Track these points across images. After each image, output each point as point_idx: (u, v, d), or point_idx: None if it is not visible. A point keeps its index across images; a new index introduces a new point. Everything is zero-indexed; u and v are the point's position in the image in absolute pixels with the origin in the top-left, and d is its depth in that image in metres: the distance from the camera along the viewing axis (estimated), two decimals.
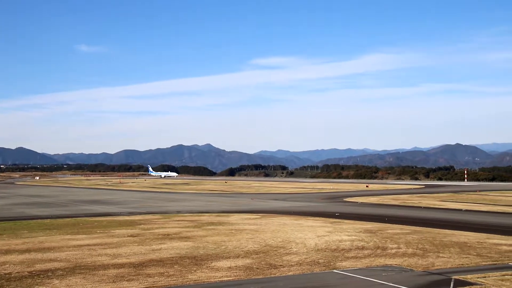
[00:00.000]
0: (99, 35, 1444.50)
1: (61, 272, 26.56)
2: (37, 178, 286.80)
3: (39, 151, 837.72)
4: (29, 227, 49.03)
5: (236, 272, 26.20)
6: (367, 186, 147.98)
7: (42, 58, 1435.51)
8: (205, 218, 56.77)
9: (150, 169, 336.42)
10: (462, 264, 28.05)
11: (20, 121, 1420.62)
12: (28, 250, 34.14)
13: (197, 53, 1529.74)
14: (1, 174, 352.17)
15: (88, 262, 29.32)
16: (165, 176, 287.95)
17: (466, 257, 30.08)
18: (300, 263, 28.52)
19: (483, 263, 28.52)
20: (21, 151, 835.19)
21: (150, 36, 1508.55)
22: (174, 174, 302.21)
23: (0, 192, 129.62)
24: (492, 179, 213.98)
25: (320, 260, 29.40)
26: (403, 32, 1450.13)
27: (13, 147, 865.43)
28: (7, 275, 25.99)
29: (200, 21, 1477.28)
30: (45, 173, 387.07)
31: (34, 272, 26.67)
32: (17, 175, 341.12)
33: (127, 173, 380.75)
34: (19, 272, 26.68)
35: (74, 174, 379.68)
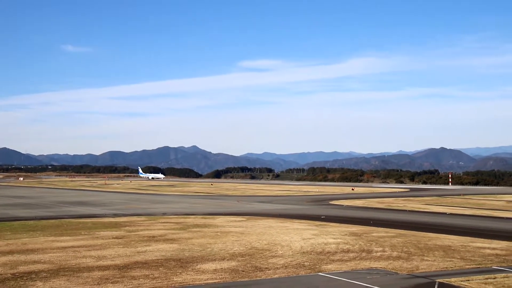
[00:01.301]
0: (85, 35, 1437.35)
1: (44, 274, 26.31)
2: (21, 179, 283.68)
3: (23, 151, 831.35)
4: (12, 228, 48.49)
5: (221, 275, 26.15)
6: (352, 189, 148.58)
7: (27, 58, 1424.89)
8: (191, 220, 56.61)
9: (140, 170, 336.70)
10: (446, 267, 28.28)
11: (4, 121, 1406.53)
12: (11, 252, 33.77)
13: (184, 55, 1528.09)
14: None
15: (73, 264, 29.09)
16: (152, 177, 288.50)
17: (450, 261, 30.33)
18: (286, 266, 28.55)
19: (467, 266, 28.78)
20: (5, 152, 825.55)
21: (137, 37, 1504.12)
22: (161, 175, 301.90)
23: None
24: (476, 183, 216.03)
25: (305, 263, 29.46)
26: (390, 36, 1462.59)
27: None
28: None
29: (188, 23, 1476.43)
30: (29, 174, 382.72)
31: (17, 274, 26.39)
32: (0, 176, 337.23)
33: (113, 174, 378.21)
34: (1, 274, 26.36)
35: (59, 175, 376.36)
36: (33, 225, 51.21)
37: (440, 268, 28.19)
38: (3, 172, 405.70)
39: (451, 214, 66.77)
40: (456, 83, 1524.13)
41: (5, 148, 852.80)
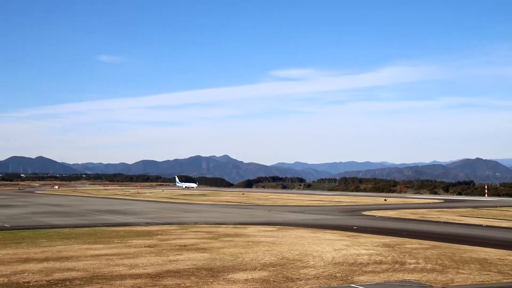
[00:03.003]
0: (119, 45, 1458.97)
1: (78, 282, 26.70)
2: (56, 187, 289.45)
3: (58, 160, 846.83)
4: (47, 236, 49.47)
5: (252, 285, 26.08)
6: (385, 200, 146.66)
7: (62, 68, 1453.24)
8: (222, 229, 56.72)
9: (177, 179, 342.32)
10: (482, 281, 27.58)
11: (40, 131, 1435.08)
12: (46, 259, 34.42)
13: (216, 64, 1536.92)
14: (21, 183, 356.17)
15: (106, 272, 29.44)
16: (186, 186, 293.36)
17: (486, 274, 29.58)
18: (317, 277, 28.30)
19: (505, 280, 28.01)
20: (41, 160, 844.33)
21: (169, 47, 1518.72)
22: (194, 185, 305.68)
23: (20, 201, 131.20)
24: None
25: (337, 274, 29.15)
26: (421, 45, 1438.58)
27: (33, 156, 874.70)
28: (25, 284, 26.21)
29: (219, 32, 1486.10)
30: (64, 182, 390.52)
31: (52, 281, 26.85)
32: (36, 184, 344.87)
33: (145, 183, 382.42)
34: (37, 281, 26.88)
35: (93, 184, 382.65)
36: (68, 233, 52.13)
37: (476, 281, 27.50)
38: (39, 180, 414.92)
39: (487, 226, 65.21)
40: (490, 92, 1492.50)
41: (41, 157, 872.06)
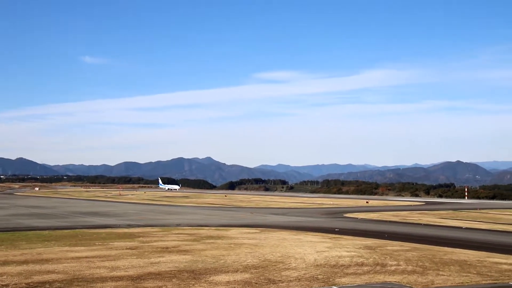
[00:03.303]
0: (103, 46, 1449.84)
1: (58, 284, 26.42)
2: (37, 189, 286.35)
3: (39, 161, 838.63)
4: (27, 238, 48.86)
5: (234, 287, 26.05)
6: (367, 202, 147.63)
7: (44, 69, 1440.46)
8: (204, 231, 56.59)
9: (160, 181, 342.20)
10: (462, 283, 27.89)
11: (21, 132, 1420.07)
12: (26, 262, 33.99)
13: (200, 66, 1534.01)
14: (1, 184, 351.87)
15: (86, 275, 29.18)
16: (168, 188, 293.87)
17: (466, 276, 29.92)
18: (299, 279, 28.38)
19: (483, 281, 28.36)
20: (21, 162, 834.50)
21: (153, 48, 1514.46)
22: (177, 187, 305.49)
23: None
24: (493, 197, 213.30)
25: (319, 276, 29.25)
26: (406, 49, 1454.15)
27: (13, 158, 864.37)
28: (4, 286, 25.85)
29: (203, 34, 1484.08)
30: (44, 184, 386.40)
31: (31, 284, 26.53)
32: (16, 186, 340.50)
33: (127, 185, 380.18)
34: (16, 284, 26.53)
35: (74, 186, 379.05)
36: (48, 235, 51.56)
37: (456, 283, 27.81)
38: (19, 182, 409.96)
39: (467, 228, 65.99)
40: (473, 96, 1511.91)
41: (21, 158, 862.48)
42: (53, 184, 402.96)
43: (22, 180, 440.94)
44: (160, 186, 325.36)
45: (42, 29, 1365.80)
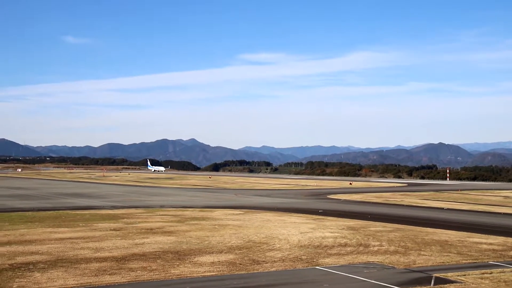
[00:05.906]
0: (86, 27, 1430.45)
1: (42, 265, 26.36)
2: (19, 170, 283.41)
3: (21, 143, 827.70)
4: (10, 219, 48.53)
5: (219, 268, 26.22)
6: (350, 184, 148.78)
7: (27, 49, 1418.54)
8: (189, 213, 56.68)
9: (149, 163, 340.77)
10: (443, 262, 28.38)
11: (3, 112, 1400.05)
12: (9, 243, 33.81)
13: (184, 47, 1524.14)
14: None
15: (70, 256, 29.14)
16: (154, 170, 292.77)
17: (447, 255, 30.44)
18: (283, 259, 28.63)
19: (464, 261, 28.90)
20: (3, 143, 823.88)
21: (137, 30, 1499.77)
22: (163, 168, 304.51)
23: None
24: (474, 179, 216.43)
25: (303, 257, 29.54)
26: (390, 31, 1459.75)
27: None
28: None
29: (187, 15, 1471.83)
30: (27, 165, 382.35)
31: (15, 265, 26.44)
32: None
33: (111, 166, 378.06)
34: None
35: (57, 167, 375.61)
36: (31, 216, 51.25)
37: (437, 262, 28.29)
38: (1, 163, 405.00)
39: (448, 209, 66.92)
40: (455, 79, 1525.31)
41: (3, 139, 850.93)
42: (36, 165, 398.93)
43: (4, 161, 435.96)
44: (149, 168, 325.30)
45: (24, 8, 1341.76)
